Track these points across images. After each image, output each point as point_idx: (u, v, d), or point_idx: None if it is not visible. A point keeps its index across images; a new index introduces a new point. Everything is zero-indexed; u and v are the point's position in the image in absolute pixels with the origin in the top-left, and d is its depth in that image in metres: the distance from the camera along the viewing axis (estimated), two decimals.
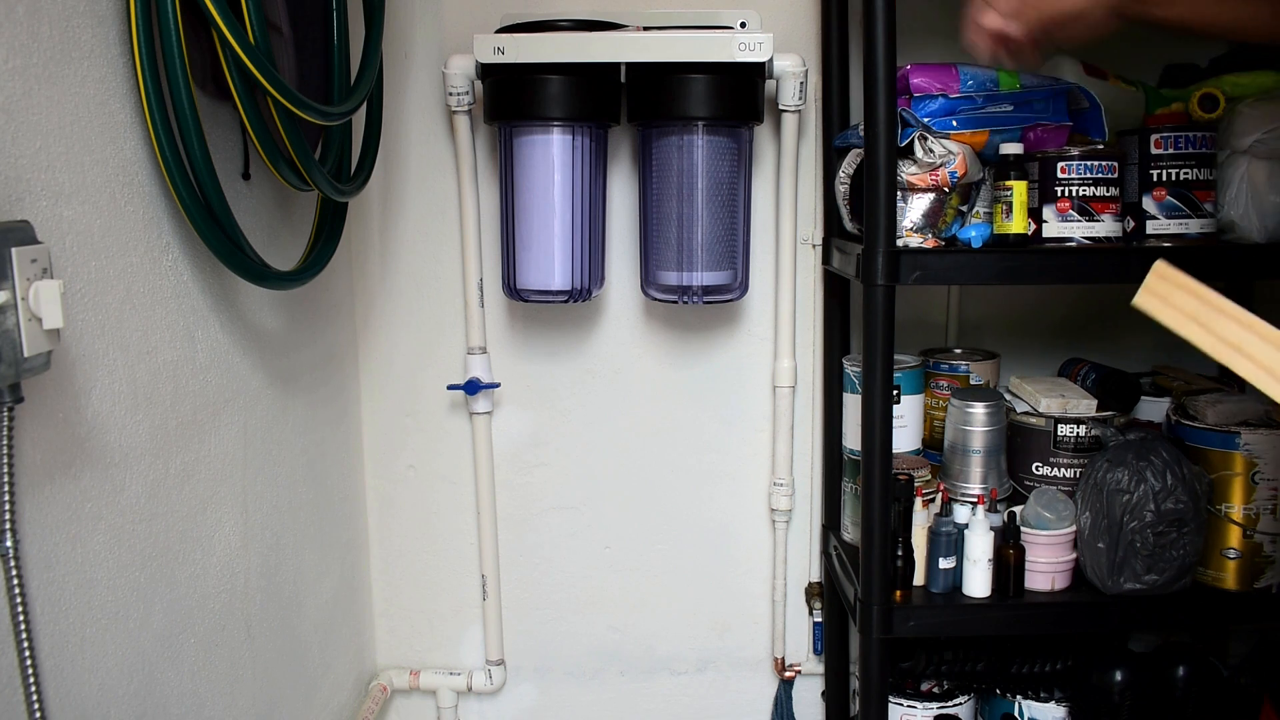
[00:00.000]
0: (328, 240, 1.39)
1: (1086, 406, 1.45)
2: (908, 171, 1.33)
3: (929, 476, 1.43)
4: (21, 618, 0.82)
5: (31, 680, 0.82)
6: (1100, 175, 1.35)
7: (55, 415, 0.90)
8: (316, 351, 1.54)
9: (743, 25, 1.52)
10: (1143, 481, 1.32)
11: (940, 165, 1.33)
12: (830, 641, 1.74)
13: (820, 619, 1.77)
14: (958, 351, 1.64)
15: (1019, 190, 1.35)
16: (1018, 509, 1.41)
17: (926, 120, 1.35)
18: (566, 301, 1.57)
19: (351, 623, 1.71)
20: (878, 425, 1.31)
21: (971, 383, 1.55)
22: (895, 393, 1.44)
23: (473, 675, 1.80)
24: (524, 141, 1.50)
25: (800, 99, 1.56)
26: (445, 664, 1.83)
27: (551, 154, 1.50)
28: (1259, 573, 1.37)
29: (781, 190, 1.64)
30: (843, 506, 1.60)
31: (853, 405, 1.48)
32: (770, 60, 1.45)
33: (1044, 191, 1.37)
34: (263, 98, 1.08)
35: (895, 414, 1.41)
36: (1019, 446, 1.47)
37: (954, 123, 1.37)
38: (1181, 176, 1.34)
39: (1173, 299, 0.92)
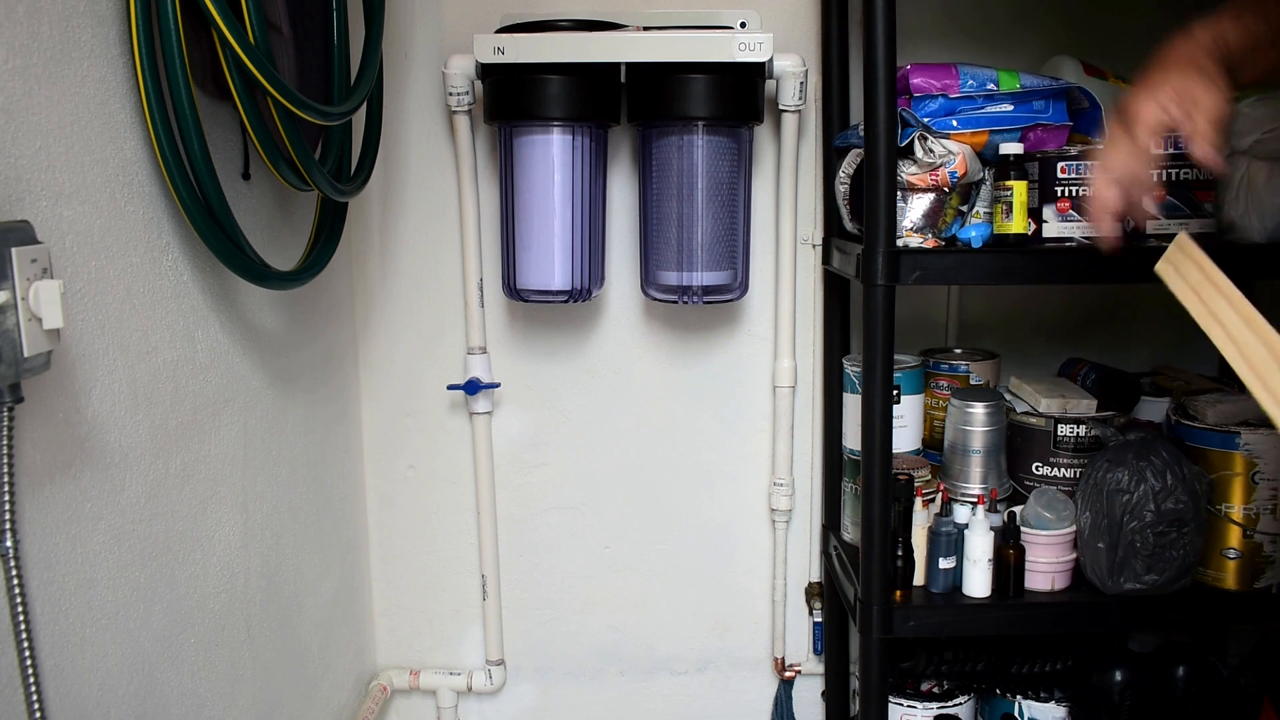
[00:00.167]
0: (328, 240, 1.39)
1: (1086, 406, 1.45)
2: (908, 171, 1.33)
3: (929, 476, 1.43)
4: (21, 618, 0.82)
5: (31, 680, 0.82)
6: None
7: (55, 415, 0.90)
8: (316, 351, 1.54)
9: (743, 25, 1.52)
10: (1143, 481, 1.32)
11: (940, 165, 1.33)
12: (830, 641, 1.74)
13: (820, 619, 1.77)
14: (958, 351, 1.64)
15: (1019, 190, 1.35)
16: (1018, 509, 1.41)
17: (926, 120, 1.35)
18: (566, 301, 1.57)
19: (351, 623, 1.71)
20: (878, 425, 1.31)
21: (971, 383, 1.55)
22: (895, 393, 1.44)
23: (473, 675, 1.80)
24: (524, 141, 1.50)
25: (800, 99, 1.56)
26: (445, 664, 1.83)
27: (551, 154, 1.50)
28: (1259, 573, 1.37)
29: (781, 190, 1.64)
30: (843, 506, 1.60)
31: (853, 405, 1.48)
32: (770, 60, 1.45)
33: (1044, 191, 1.37)
34: (263, 98, 1.08)
35: (895, 414, 1.41)
36: (1019, 446, 1.47)
37: (954, 123, 1.37)
38: (1181, 176, 1.34)
39: (1186, 273, 0.93)
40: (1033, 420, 1.46)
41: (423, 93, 1.65)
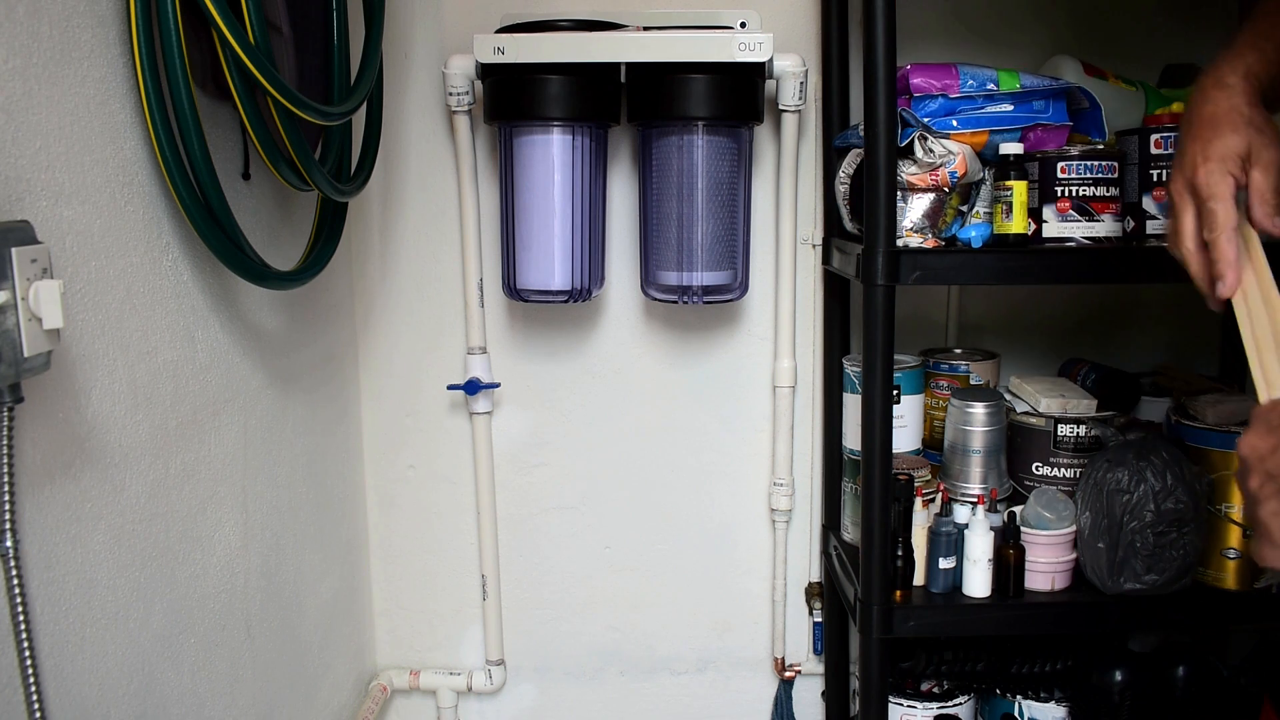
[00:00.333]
0: (328, 240, 1.39)
1: (1086, 406, 1.45)
2: (908, 171, 1.33)
3: (929, 476, 1.43)
4: (21, 618, 0.82)
5: (31, 680, 0.82)
6: (1100, 175, 1.35)
7: (55, 415, 0.90)
8: (316, 351, 1.54)
9: (743, 25, 1.52)
10: (1143, 481, 1.32)
11: (940, 165, 1.33)
12: (830, 641, 1.74)
13: (820, 619, 1.77)
14: (958, 351, 1.64)
15: (1019, 190, 1.35)
16: (1018, 509, 1.41)
17: (926, 120, 1.35)
18: (566, 301, 1.57)
19: (351, 623, 1.71)
20: (878, 425, 1.31)
21: (971, 383, 1.55)
22: (895, 393, 1.44)
23: (473, 675, 1.80)
24: (524, 141, 1.50)
25: (800, 99, 1.56)
26: (445, 664, 1.83)
27: (551, 154, 1.50)
28: (1259, 573, 1.37)
29: (781, 190, 1.64)
30: (843, 506, 1.60)
31: (853, 405, 1.48)
32: (770, 60, 1.45)
33: (1044, 191, 1.37)
34: (263, 98, 1.08)
35: (895, 414, 1.41)
36: (1019, 446, 1.47)
37: (954, 123, 1.37)
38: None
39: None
40: (1033, 420, 1.46)
41: (423, 93, 1.65)
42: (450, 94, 1.56)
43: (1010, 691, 1.53)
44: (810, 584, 1.80)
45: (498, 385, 1.72)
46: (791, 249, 1.66)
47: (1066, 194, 1.35)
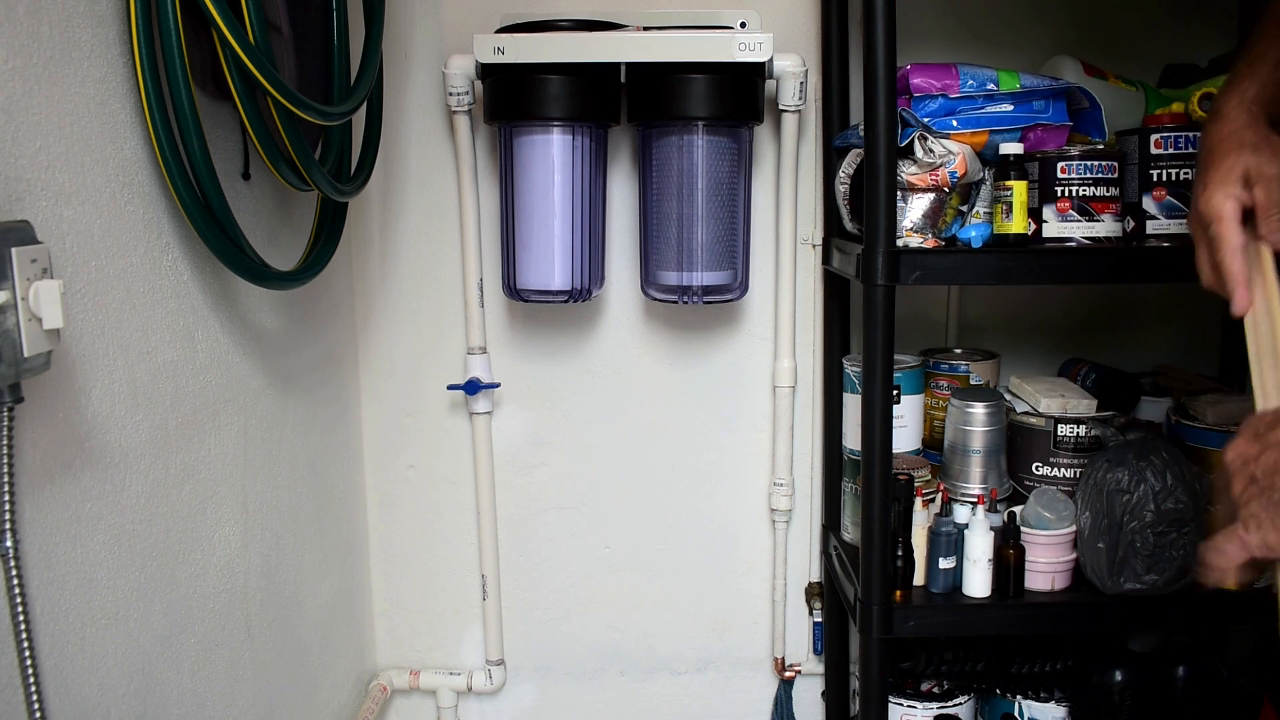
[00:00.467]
0: (328, 240, 1.39)
1: (1086, 406, 1.45)
2: (908, 171, 1.33)
3: (929, 476, 1.43)
4: (21, 618, 0.82)
5: (31, 680, 0.82)
6: (1100, 175, 1.35)
7: (55, 415, 0.90)
8: (316, 351, 1.54)
9: (743, 25, 1.52)
10: (1143, 481, 1.32)
11: (940, 165, 1.33)
12: (830, 641, 1.74)
13: (820, 619, 1.77)
14: (958, 351, 1.64)
15: (1019, 190, 1.35)
16: (1018, 509, 1.41)
17: (926, 120, 1.35)
18: (566, 301, 1.57)
19: (351, 623, 1.71)
20: (878, 425, 1.31)
21: (971, 383, 1.55)
22: (895, 393, 1.44)
23: (473, 675, 1.80)
24: (524, 141, 1.50)
25: (800, 99, 1.56)
26: (445, 664, 1.83)
27: (551, 154, 1.50)
28: (1259, 573, 1.36)
29: (781, 190, 1.64)
30: (843, 506, 1.60)
31: (853, 405, 1.48)
32: (770, 60, 1.45)
33: (1044, 191, 1.37)
34: (263, 98, 1.08)
35: (895, 414, 1.41)
36: (1019, 446, 1.47)
37: (954, 123, 1.37)
38: (1181, 176, 1.34)
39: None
40: (1033, 420, 1.46)
41: (423, 93, 1.65)
42: (450, 94, 1.56)
43: (1010, 691, 1.53)
44: (810, 584, 1.80)
45: (498, 385, 1.72)
46: (791, 249, 1.66)
47: (1066, 194, 1.35)
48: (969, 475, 1.45)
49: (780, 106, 1.57)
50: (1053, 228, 1.37)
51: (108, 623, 0.99)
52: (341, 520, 1.65)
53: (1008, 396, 1.52)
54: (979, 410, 1.44)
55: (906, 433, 1.49)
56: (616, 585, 1.80)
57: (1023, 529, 1.38)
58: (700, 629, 1.82)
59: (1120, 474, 1.33)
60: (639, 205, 1.61)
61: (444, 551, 1.79)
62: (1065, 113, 1.41)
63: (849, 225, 1.49)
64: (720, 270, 1.54)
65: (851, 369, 1.50)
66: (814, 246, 1.69)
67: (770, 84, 1.57)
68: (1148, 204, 1.36)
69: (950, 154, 1.33)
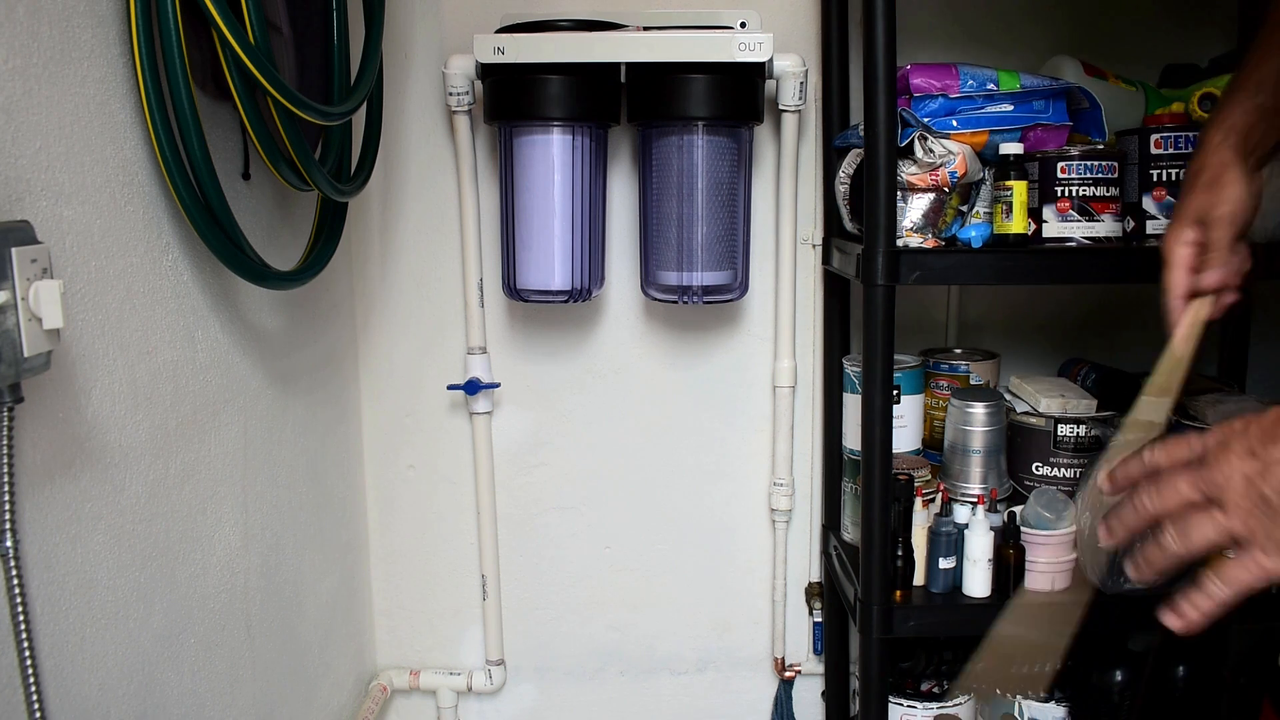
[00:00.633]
0: (328, 240, 1.39)
1: (1086, 406, 1.45)
2: (908, 171, 1.33)
3: (929, 476, 1.43)
4: (21, 618, 0.82)
5: (31, 680, 0.82)
6: (1100, 175, 1.35)
7: (55, 415, 0.90)
8: (316, 352, 1.54)
9: (743, 25, 1.52)
10: None
11: (940, 165, 1.33)
12: (830, 641, 1.75)
13: (820, 619, 1.77)
14: (958, 351, 1.64)
15: (1019, 190, 1.35)
16: (1018, 509, 1.41)
17: (926, 120, 1.35)
18: (566, 301, 1.57)
19: (351, 623, 1.71)
20: (878, 425, 1.31)
21: (971, 383, 1.55)
22: (895, 393, 1.44)
23: (473, 675, 1.80)
24: (524, 141, 1.50)
25: (800, 99, 1.56)
26: (445, 664, 1.83)
27: (551, 154, 1.50)
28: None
29: (781, 190, 1.64)
30: (843, 506, 1.60)
31: (853, 405, 1.48)
32: (770, 60, 1.45)
33: (1044, 191, 1.37)
34: (263, 98, 1.08)
35: (895, 414, 1.41)
36: (1019, 446, 1.47)
37: (954, 123, 1.37)
38: (1181, 177, 1.34)
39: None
40: (1033, 420, 1.46)
41: (423, 93, 1.65)
42: (450, 94, 1.56)
43: (1010, 691, 1.53)
44: (810, 584, 1.80)
45: (498, 385, 1.72)
46: (791, 249, 1.66)
47: (1066, 194, 1.35)
48: (969, 475, 1.45)
49: (780, 106, 1.57)
50: (1053, 228, 1.37)
51: (108, 623, 0.99)
52: (341, 520, 1.65)
53: (1008, 396, 1.52)
54: (979, 410, 1.44)
55: (906, 433, 1.49)
56: (616, 585, 1.80)
57: (1023, 529, 1.38)
58: (700, 629, 1.82)
59: None
60: (639, 205, 1.61)
61: (444, 551, 1.79)
62: (1065, 113, 1.41)
63: (849, 225, 1.49)
64: (720, 270, 1.54)
65: (851, 369, 1.50)
66: (814, 246, 1.69)
67: (770, 84, 1.57)
68: (1148, 204, 1.36)
69: (950, 154, 1.33)
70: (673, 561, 1.80)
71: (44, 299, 0.80)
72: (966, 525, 1.37)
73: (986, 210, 1.40)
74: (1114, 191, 1.36)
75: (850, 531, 1.58)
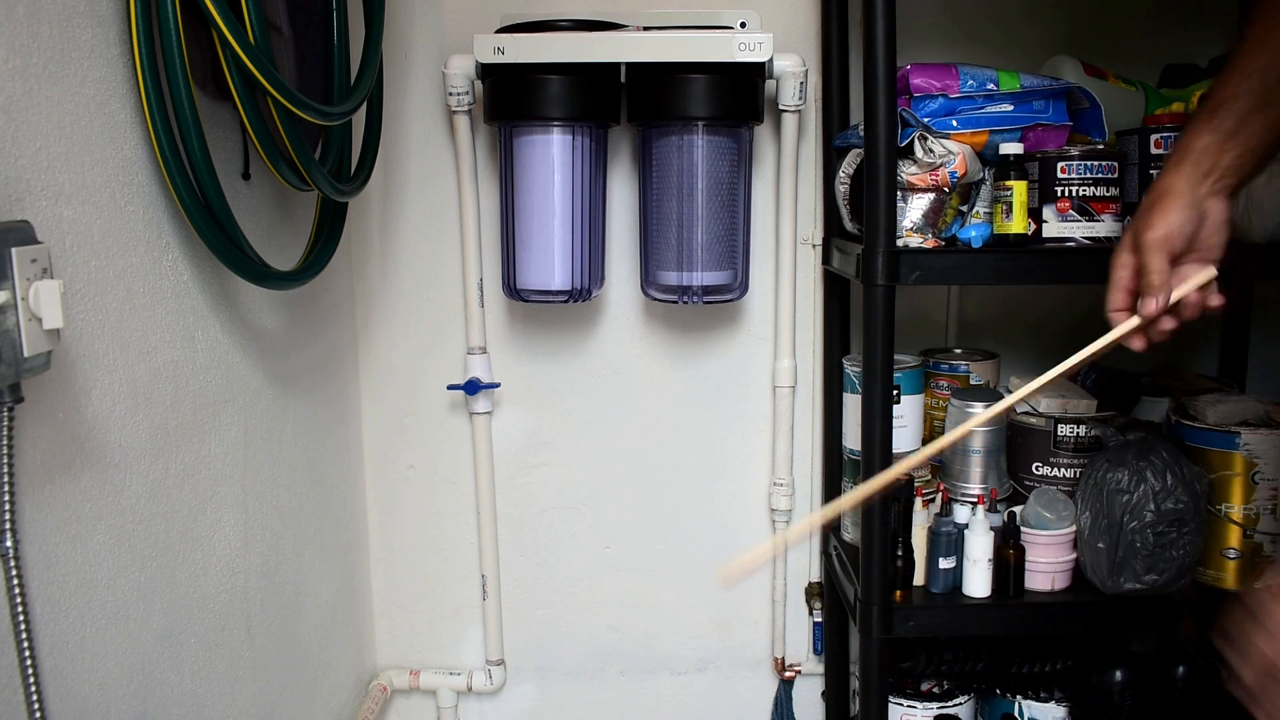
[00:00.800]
0: (328, 240, 1.39)
1: (1086, 406, 1.45)
2: (908, 171, 1.33)
3: (929, 476, 1.43)
4: (21, 618, 0.82)
5: (31, 680, 0.82)
6: (1100, 175, 1.35)
7: (55, 415, 0.90)
8: (316, 352, 1.54)
9: (743, 25, 1.52)
10: (1143, 481, 1.32)
11: (940, 165, 1.33)
12: (830, 641, 1.75)
13: (820, 619, 1.77)
14: (958, 351, 1.64)
15: (1019, 190, 1.35)
16: (1018, 509, 1.41)
17: (926, 120, 1.35)
18: (566, 301, 1.57)
19: (351, 623, 1.71)
20: (878, 425, 1.31)
21: (971, 383, 1.55)
22: (895, 393, 1.44)
23: (473, 675, 1.80)
24: (524, 141, 1.50)
25: (800, 99, 1.56)
26: (445, 664, 1.83)
27: (551, 154, 1.50)
28: (1259, 573, 1.37)
29: (781, 190, 1.64)
30: None
31: (853, 405, 1.48)
32: (770, 60, 1.45)
33: (1044, 191, 1.37)
34: (263, 98, 1.08)
35: (895, 414, 1.41)
36: (1019, 446, 1.47)
37: (954, 123, 1.37)
38: None
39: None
40: (1033, 420, 1.46)
41: (423, 93, 1.65)
42: (450, 94, 1.56)
43: (1010, 691, 1.53)
44: (810, 584, 1.80)
45: (498, 385, 1.72)
46: (791, 249, 1.66)
47: (1066, 194, 1.35)
48: (969, 475, 1.45)
49: (780, 106, 1.57)
50: (1053, 228, 1.37)
51: (108, 623, 0.99)
52: (341, 520, 1.65)
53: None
54: (979, 410, 1.44)
55: (906, 433, 1.49)
56: (616, 585, 1.80)
57: (1023, 529, 1.38)
58: (700, 629, 1.82)
59: (1120, 474, 1.33)
60: (639, 205, 1.61)
61: (444, 551, 1.79)
62: (1065, 113, 1.41)
63: (849, 225, 1.49)
64: (720, 270, 1.54)
65: (851, 369, 1.50)
66: (814, 246, 1.69)
67: (770, 84, 1.57)
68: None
69: (950, 154, 1.33)
70: (673, 561, 1.80)
71: (44, 299, 0.80)
72: (966, 525, 1.37)
73: (986, 210, 1.40)
74: (1114, 191, 1.36)
75: (850, 531, 1.58)
